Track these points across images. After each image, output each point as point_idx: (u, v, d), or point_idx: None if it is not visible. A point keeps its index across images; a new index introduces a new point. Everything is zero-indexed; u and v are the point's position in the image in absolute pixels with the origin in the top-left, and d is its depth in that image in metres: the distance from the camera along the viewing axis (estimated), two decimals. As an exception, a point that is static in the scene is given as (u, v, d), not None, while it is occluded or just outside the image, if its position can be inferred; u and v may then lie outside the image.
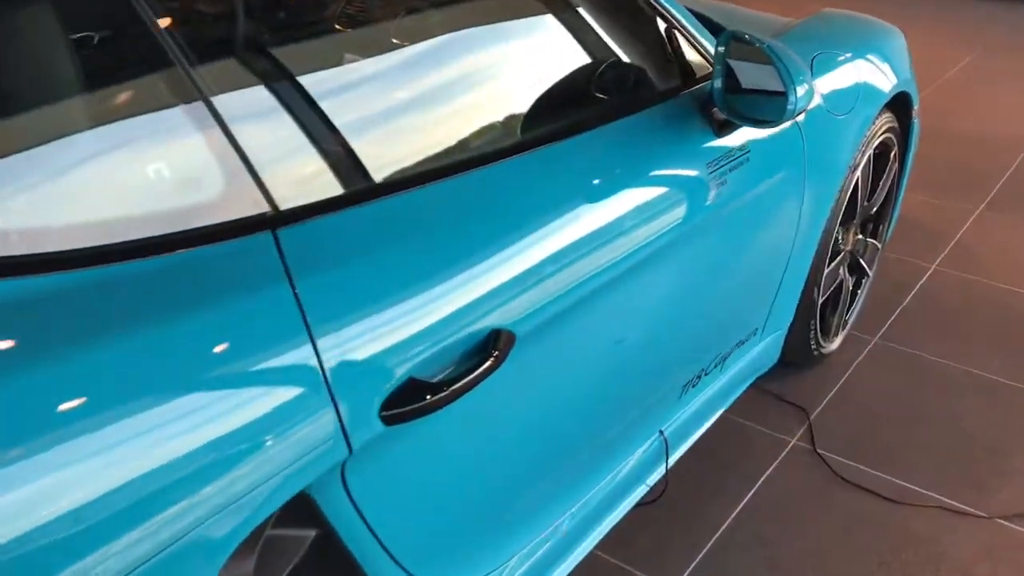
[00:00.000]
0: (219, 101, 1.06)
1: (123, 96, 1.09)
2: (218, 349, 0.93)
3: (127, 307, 0.92)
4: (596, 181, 1.44)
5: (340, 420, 1.00)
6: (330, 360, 0.99)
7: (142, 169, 1.04)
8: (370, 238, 1.12)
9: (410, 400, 1.08)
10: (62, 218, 0.96)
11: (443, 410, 1.13)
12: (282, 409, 0.95)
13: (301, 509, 1.05)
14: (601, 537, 1.75)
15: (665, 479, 1.90)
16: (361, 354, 1.03)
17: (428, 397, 1.10)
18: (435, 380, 1.12)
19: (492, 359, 1.18)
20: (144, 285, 0.94)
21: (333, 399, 0.99)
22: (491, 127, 1.48)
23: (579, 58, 1.68)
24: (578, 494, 1.62)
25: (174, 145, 1.06)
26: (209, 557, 0.90)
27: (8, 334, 0.84)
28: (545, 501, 1.56)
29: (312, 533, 1.08)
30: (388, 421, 1.06)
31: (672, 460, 1.91)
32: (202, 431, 0.90)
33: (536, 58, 1.68)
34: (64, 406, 0.82)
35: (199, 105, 1.05)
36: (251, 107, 1.15)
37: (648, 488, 1.87)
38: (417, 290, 1.12)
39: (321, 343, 0.99)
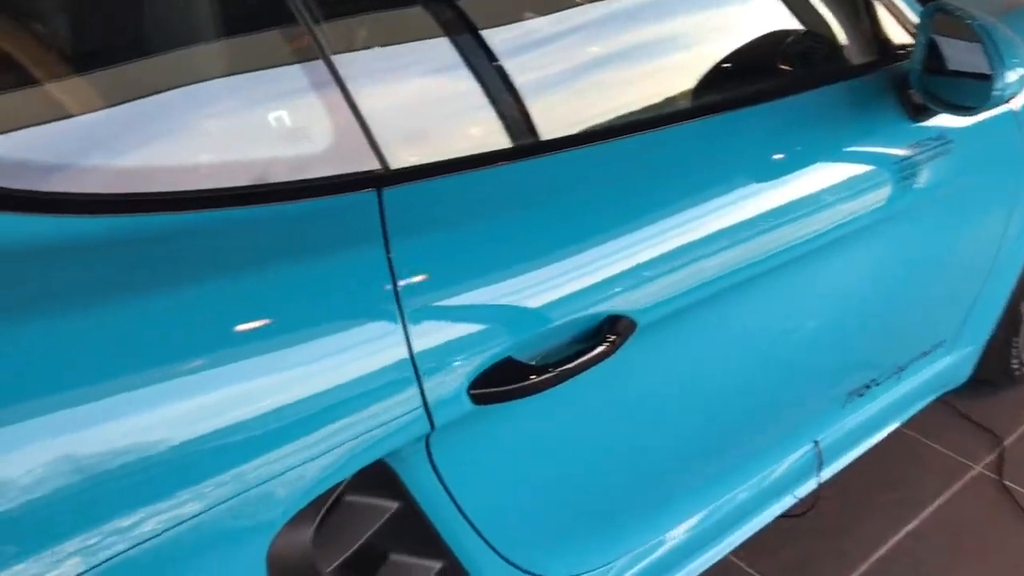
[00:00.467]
0: (340, 59, 1.02)
1: (249, 46, 1.07)
2: (303, 304, 0.90)
3: (223, 253, 0.91)
4: (769, 158, 1.31)
5: (423, 394, 0.95)
6: (417, 330, 0.94)
7: (260, 118, 1.02)
8: (483, 206, 1.05)
9: (505, 380, 1.02)
10: (176, 160, 0.96)
11: (548, 394, 1.06)
12: (361, 374, 0.91)
13: (384, 481, 1.02)
14: (738, 544, 1.64)
15: (817, 493, 1.75)
16: (453, 328, 0.97)
17: (527, 379, 1.03)
18: (536, 362, 1.05)
19: (606, 345, 1.09)
20: (246, 232, 0.93)
21: (416, 371, 0.94)
22: (649, 89, 1.36)
23: (767, 23, 1.54)
24: (709, 497, 1.51)
25: (294, 98, 1.04)
26: (274, 512, 0.87)
27: (132, 265, 0.86)
28: (667, 501, 1.46)
29: (393, 505, 1.04)
30: (479, 400, 1.00)
31: (827, 474, 1.75)
32: (278, 385, 0.87)
33: (717, 20, 1.55)
34: (146, 341, 0.82)
35: (319, 62, 1.02)
36: (372, 65, 1.10)
37: (797, 500, 1.73)
38: (528, 265, 1.05)
39: (409, 311, 0.94)
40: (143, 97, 1.00)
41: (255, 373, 0.86)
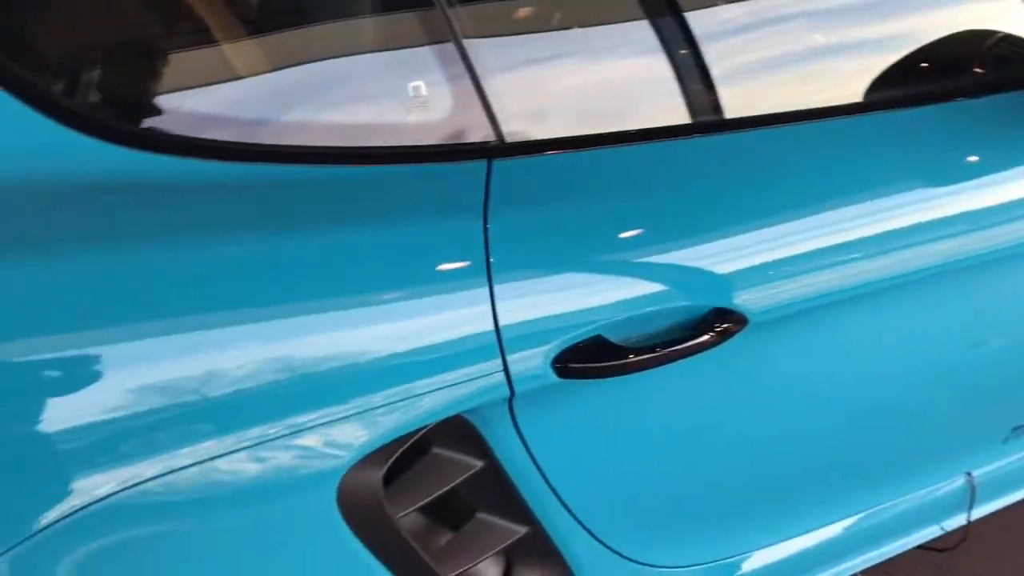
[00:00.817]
0: (470, 41, 1.07)
1: (392, 24, 1.15)
2: (400, 257, 0.97)
3: (344, 206, 0.99)
4: (952, 161, 1.24)
5: (504, 359, 0.99)
6: (504, 298, 0.98)
7: (397, 90, 1.10)
8: (591, 186, 1.07)
9: (593, 359, 1.03)
10: (324, 119, 1.05)
11: (649, 379, 1.07)
12: (443, 331, 0.96)
13: (471, 440, 1.06)
14: (869, 565, 1.56)
15: (966, 529, 1.63)
16: (540, 300, 1.00)
17: (614, 359, 1.04)
18: (629, 344, 1.06)
19: (708, 336, 1.08)
20: (364, 188, 1.01)
21: (499, 337, 0.98)
22: (799, 76, 1.32)
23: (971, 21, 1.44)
24: (842, 510, 1.45)
25: (425, 73, 1.10)
26: (347, 449, 0.94)
27: (262, 209, 0.97)
28: (791, 507, 1.41)
29: (477, 464, 1.09)
30: (563, 373, 1.02)
31: (979, 512, 1.63)
32: (364, 332, 0.94)
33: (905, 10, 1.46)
34: (260, 280, 0.92)
35: (450, 44, 1.07)
36: (497, 47, 1.14)
37: (943, 531, 1.62)
38: (631, 251, 1.06)
39: (497, 279, 0.98)
40: (304, 63, 1.10)
41: (345, 319, 0.94)
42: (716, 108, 1.21)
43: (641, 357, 1.06)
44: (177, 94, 1.08)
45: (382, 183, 1.03)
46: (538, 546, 1.18)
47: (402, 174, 1.04)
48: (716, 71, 1.22)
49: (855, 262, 1.16)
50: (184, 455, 0.89)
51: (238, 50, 1.13)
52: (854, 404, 1.30)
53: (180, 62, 1.10)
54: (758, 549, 1.40)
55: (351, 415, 0.94)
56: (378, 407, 0.95)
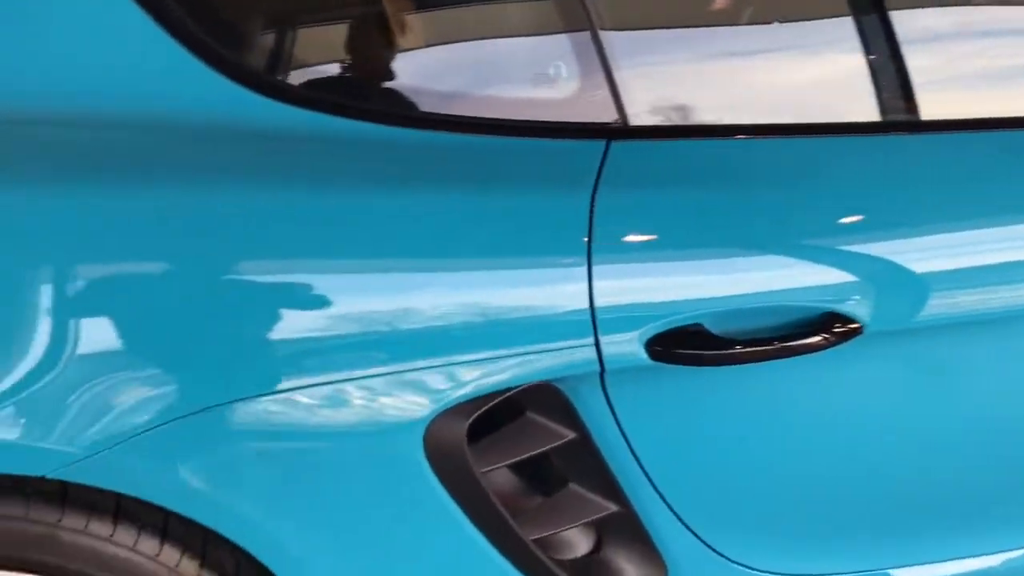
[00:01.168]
0: (606, 33, 1.11)
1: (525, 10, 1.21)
2: (507, 225, 1.04)
3: (458, 172, 1.07)
4: None
5: (595, 333, 1.02)
6: (602, 275, 1.01)
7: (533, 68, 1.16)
8: (711, 176, 1.08)
9: (691, 344, 1.04)
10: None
11: (748, 373, 1.07)
12: (538, 298, 1.01)
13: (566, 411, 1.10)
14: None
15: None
16: (639, 282, 1.03)
17: (712, 349, 1.05)
18: (729, 336, 1.06)
19: (820, 338, 1.06)
20: (488, 157, 1.08)
21: (593, 312, 1.01)
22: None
23: None
24: (955, 547, 1.36)
25: (562, 56, 1.15)
26: (436, 396, 1.01)
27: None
28: (921, 529, 1.34)
29: (569, 434, 1.12)
30: (656, 356, 1.04)
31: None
32: (465, 287, 1.01)
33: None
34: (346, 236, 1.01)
35: (587, 32, 1.11)
36: (632, 35, 1.17)
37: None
38: (747, 242, 1.06)
39: (597, 255, 1.01)
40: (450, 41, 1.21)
41: (449, 277, 1.02)
42: (857, 106, 1.17)
43: (746, 350, 1.06)
44: (338, 63, 1.20)
45: (504, 153, 1.08)
46: (629, 528, 1.20)
47: (524, 147, 1.09)
48: (853, 69, 1.18)
49: (1006, 286, 1.10)
50: (306, 381, 0.98)
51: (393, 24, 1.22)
52: (983, 430, 1.22)
53: (344, 32, 1.21)
54: (872, 571, 1.34)
55: (441, 366, 1.00)
56: (467, 363, 1.00)
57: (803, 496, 1.24)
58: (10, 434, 0.94)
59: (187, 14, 1.05)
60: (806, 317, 1.07)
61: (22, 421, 0.94)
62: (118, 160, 1.03)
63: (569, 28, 1.15)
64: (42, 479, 0.96)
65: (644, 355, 1.04)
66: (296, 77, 1.18)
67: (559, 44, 1.17)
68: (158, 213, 0.98)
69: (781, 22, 1.27)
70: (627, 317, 1.03)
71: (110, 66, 1.04)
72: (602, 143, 1.06)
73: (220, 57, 1.04)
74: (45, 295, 0.94)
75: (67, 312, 0.95)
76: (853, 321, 1.06)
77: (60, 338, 0.94)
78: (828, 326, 1.07)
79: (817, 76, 1.23)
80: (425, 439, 1.02)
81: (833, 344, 1.07)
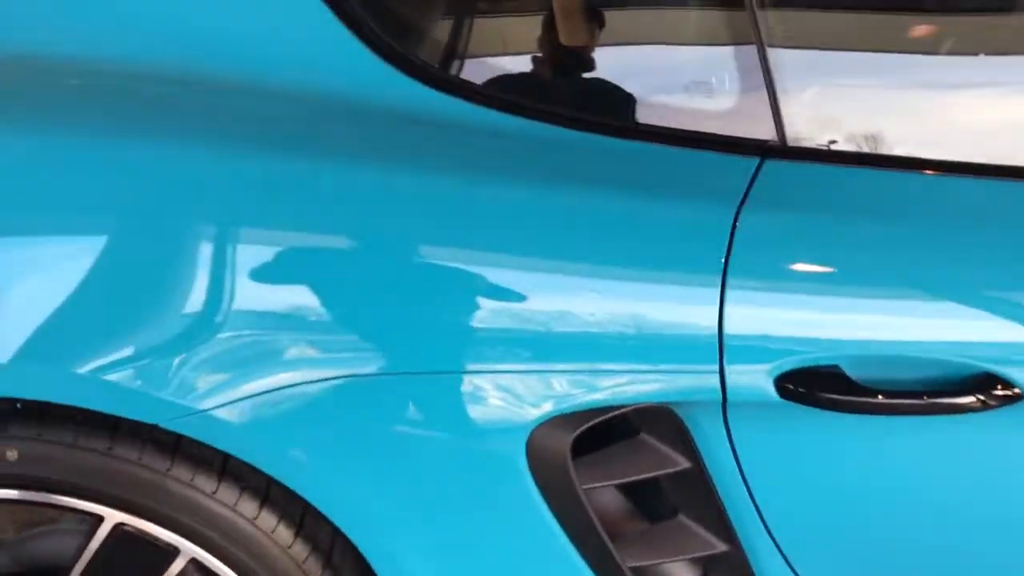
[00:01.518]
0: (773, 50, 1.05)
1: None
2: (645, 233, 0.99)
3: (604, 175, 1.04)
4: None
5: (721, 363, 0.95)
6: (734, 300, 0.95)
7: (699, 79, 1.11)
8: (876, 206, 1.00)
9: (824, 386, 0.97)
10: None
11: (884, 424, 1.00)
12: (662, 316, 0.96)
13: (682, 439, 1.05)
14: None
15: None
16: (775, 313, 0.96)
17: (849, 395, 0.97)
18: (869, 383, 0.97)
19: (973, 399, 0.97)
20: (634, 164, 1.05)
21: (721, 337, 0.95)
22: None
23: None
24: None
25: (728, 69, 1.10)
26: (545, 403, 0.98)
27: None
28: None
29: (684, 463, 1.06)
30: (786, 394, 0.97)
31: None
32: (591, 292, 0.97)
33: None
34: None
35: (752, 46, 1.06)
36: (798, 54, 1.10)
37: None
38: (904, 284, 0.97)
39: (732, 278, 0.95)
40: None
41: (581, 282, 0.98)
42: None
43: (891, 402, 0.97)
44: (500, 57, 1.19)
45: (657, 160, 1.04)
46: (736, 568, 1.13)
47: (676, 155, 1.04)
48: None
49: None
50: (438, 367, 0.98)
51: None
52: None
53: (507, 28, 1.21)
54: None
55: (554, 372, 0.97)
56: (581, 372, 0.96)
57: (928, 561, 1.13)
58: (135, 382, 0.97)
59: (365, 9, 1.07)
60: (961, 374, 0.97)
61: (148, 371, 0.97)
62: (303, 136, 1.05)
63: (736, 41, 1.09)
64: (155, 427, 0.99)
65: (773, 392, 0.97)
66: (468, 73, 1.18)
67: (723, 56, 1.12)
68: (338, 187, 1.00)
69: (973, 54, 1.17)
70: (758, 348, 0.96)
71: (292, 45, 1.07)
72: (755, 160, 1.00)
73: (395, 52, 1.06)
74: (203, 255, 0.96)
75: (213, 273, 0.96)
76: (1013, 386, 0.96)
77: (204, 299, 0.96)
78: (985, 387, 0.97)
79: (1012, 116, 1.13)
80: (528, 445, 0.99)
81: (989, 408, 0.97)
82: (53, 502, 1.04)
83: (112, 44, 1.06)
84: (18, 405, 1.01)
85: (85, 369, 0.95)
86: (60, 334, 0.96)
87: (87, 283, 0.96)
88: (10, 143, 1.00)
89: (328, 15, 1.05)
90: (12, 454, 1.00)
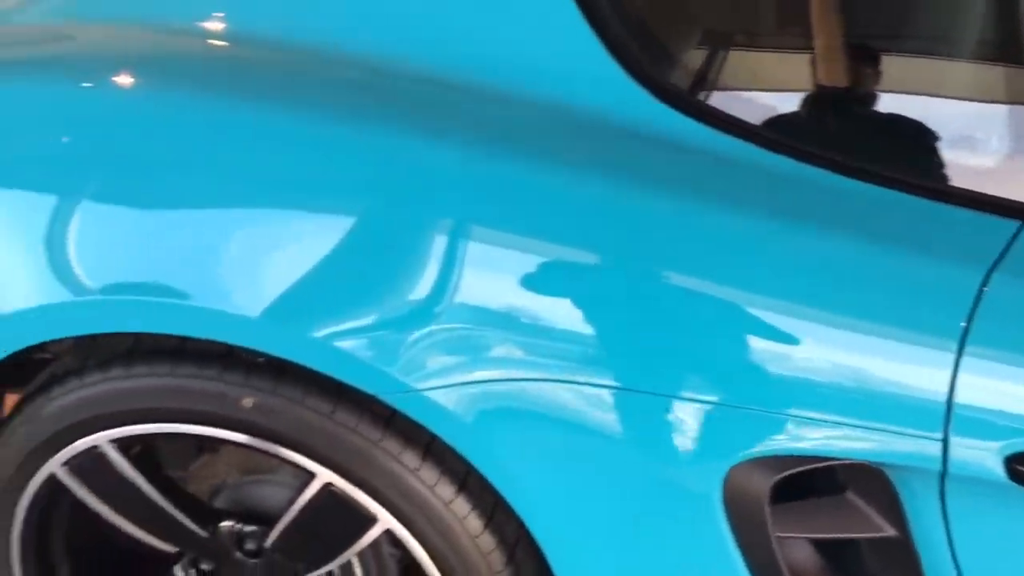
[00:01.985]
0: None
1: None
2: (884, 285, 0.96)
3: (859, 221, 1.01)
4: None
5: (946, 427, 0.90)
6: (969, 369, 0.89)
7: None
8: None
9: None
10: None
11: None
12: (888, 372, 0.93)
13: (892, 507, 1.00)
14: None
15: None
16: (1012, 386, 0.90)
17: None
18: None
19: None
20: (891, 212, 1.02)
21: (949, 405, 0.90)
22: None
23: None
24: None
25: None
26: (753, 442, 0.97)
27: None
28: None
29: (889, 531, 1.00)
30: (1016, 476, 0.90)
31: None
32: (815, 340, 0.95)
33: None
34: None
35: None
36: None
37: None
38: None
39: (971, 345, 0.89)
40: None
41: (806, 327, 0.95)
42: None
43: None
44: (759, 92, 1.18)
45: (910, 211, 1.01)
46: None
47: (931, 209, 1.00)
48: None
49: None
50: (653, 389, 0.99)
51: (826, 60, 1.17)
52: None
53: (765, 62, 1.19)
54: None
55: (767, 413, 0.95)
56: (793, 417, 0.94)
57: None
58: (364, 352, 1.03)
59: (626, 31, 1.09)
60: None
61: (377, 345, 1.03)
62: (556, 147, 1.09)
63: (1012, 100, 1.03)
64: (374, 398, 1.05)
65: (1000, 471, 0.90)
66: (720, 102, 1.17)
67: (996, 114, 1.06)
68: (599, 204, 1.03)
69: None
70: (989, 424, 0.90)
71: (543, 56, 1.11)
72: (1015, 224, 0.94)
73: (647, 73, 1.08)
74: (448, 244, 1.01)
75: (448, 264, 1.01)
76: None
77: (437, 287, 1.01)
78: None
79: None
80: (726, 480, 0.97)
81: None
82: (275, 452, 1.12)
83: (394, 45, 1.14)
84: (260, 360, 1.09)
85: (321, 334, 1.03)
86: (305, 300, 1.04)
87: (335, 257, 1.03)
88: (293, 129, 1.10)
89: (587, 30, 1.08)
90: (248, 402, 1.09)
